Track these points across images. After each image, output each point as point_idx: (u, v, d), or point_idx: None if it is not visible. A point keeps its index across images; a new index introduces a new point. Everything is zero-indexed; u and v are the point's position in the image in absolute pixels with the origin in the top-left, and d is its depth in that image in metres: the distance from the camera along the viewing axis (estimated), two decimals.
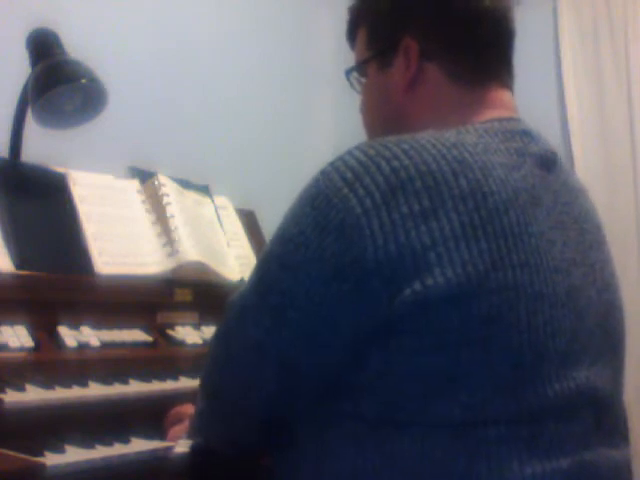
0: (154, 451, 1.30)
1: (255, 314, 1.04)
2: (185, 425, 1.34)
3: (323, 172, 1.01)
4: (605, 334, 1.08)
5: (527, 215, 0.99)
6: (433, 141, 0.99)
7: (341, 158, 1.01)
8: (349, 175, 0.98)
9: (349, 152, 1.01)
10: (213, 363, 1.15)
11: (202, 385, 1.19)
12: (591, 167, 3.10)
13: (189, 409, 1.39)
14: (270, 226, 2.09)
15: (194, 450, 1.23)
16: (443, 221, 0.94)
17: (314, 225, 0.98)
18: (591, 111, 3.17)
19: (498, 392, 0.95)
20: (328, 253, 0.96)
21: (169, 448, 1.31)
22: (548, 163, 1.09)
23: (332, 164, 1.01)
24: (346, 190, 0.97)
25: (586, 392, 1.01)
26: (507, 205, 0.97)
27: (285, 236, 1.02)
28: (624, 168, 3.13)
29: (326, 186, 0.99)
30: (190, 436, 1.25)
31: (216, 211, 2.02)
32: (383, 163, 0.97)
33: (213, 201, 2.04)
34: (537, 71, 3.04)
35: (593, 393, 1.03)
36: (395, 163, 0.96)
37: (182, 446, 1.28)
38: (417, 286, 0.92)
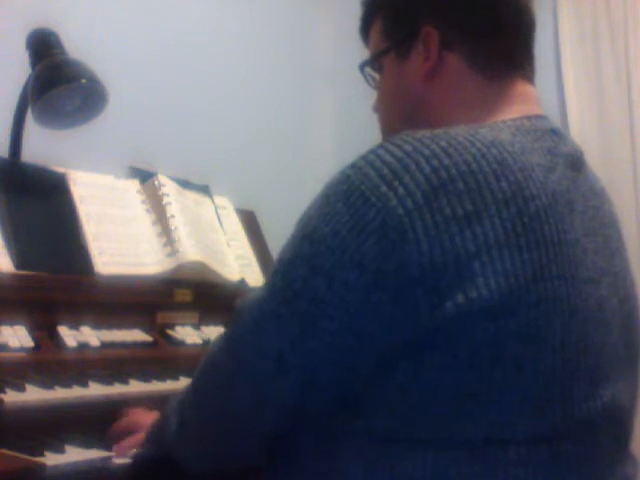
0: None
1: (277, 322, 0.94)
2: (139, 438, 1.24)
3: (354, 166, 0.93)
4: (627, 346, 1.04)
5: (565, 222, 0.95)
6: (470, 138, 0.93)
7: (374, 152, 0.93)
8: (386, 171, 0.90)
9: (382, 146, 0.94)
10: (216, 375, 1.04)
11: (195, 395, 1.09)
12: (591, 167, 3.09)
13: (142, 418, 1.30)
14: (270, 226, 2.12)
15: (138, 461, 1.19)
16: (487, 227, 0.88)
17: (350, 225, 0.90)
18: (591, 111, 3.17)
19: (525, 412, 0.90)
20: (368, 258, 0.88)
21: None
22: (577, 164, 1.05)
23: (364, 158, 0.93)
24: (384, 188, 0.89)
25: (610, 411, 0.97)
26: (547, 211, 0.93)
27: (315, 236, 0.92)
28: (624, 168, 3.12)
29: (361, 182, 0.91)
30: (145, 447, 1.19)
31: (216, 211, 2.02)
32: (422, 161, 0.90)
33: (213, 201, 2.03)
34: (537, 71, 3.03)
35: (616, 412, 0.99)
36: (435, 162, 0.90)
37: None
38: (460, 298, 0.86)
